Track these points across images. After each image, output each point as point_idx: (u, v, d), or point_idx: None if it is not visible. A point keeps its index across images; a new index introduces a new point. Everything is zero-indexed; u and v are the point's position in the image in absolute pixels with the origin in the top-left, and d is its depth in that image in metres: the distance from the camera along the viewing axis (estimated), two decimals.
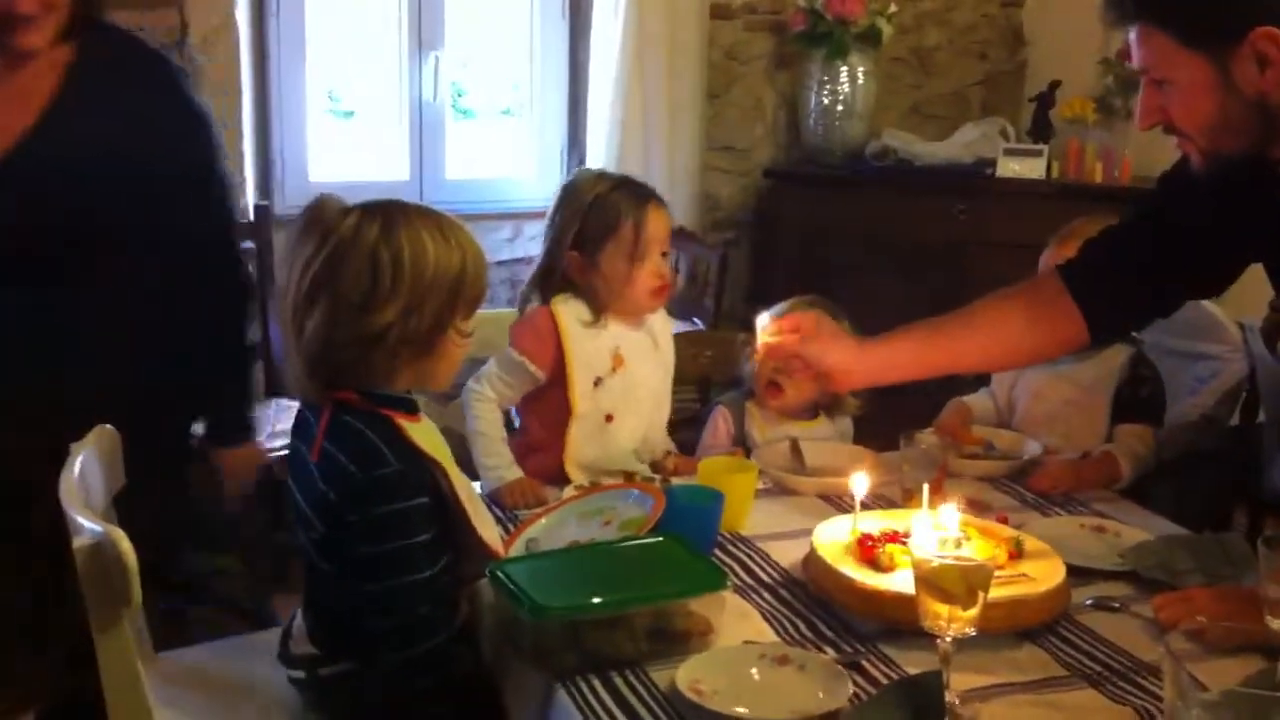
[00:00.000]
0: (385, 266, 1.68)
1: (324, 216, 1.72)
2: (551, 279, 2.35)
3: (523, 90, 4.38)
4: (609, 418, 2.33)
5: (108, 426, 1.94)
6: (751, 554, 2.00)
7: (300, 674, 1.82)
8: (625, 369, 2.35)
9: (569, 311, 2.33)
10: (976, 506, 2.12)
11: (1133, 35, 1.82)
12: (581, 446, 2.31)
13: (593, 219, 2.31)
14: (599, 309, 2.33)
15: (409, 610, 1.69)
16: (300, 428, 1.81)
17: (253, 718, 1.83)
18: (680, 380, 2.87)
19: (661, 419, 2.44)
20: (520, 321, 2.37)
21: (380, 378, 1.74)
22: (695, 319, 3.85)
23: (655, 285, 2.34)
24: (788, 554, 1.97)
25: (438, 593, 1.72)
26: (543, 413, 2.35)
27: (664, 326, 2.48)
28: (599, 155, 4.13)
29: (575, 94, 4.30)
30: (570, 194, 2.35)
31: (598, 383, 2.32)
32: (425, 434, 1.76)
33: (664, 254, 2.36)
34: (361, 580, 1.69)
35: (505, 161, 4.43)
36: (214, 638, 2.16)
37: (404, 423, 1.74)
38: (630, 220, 2.30)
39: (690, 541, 1.81)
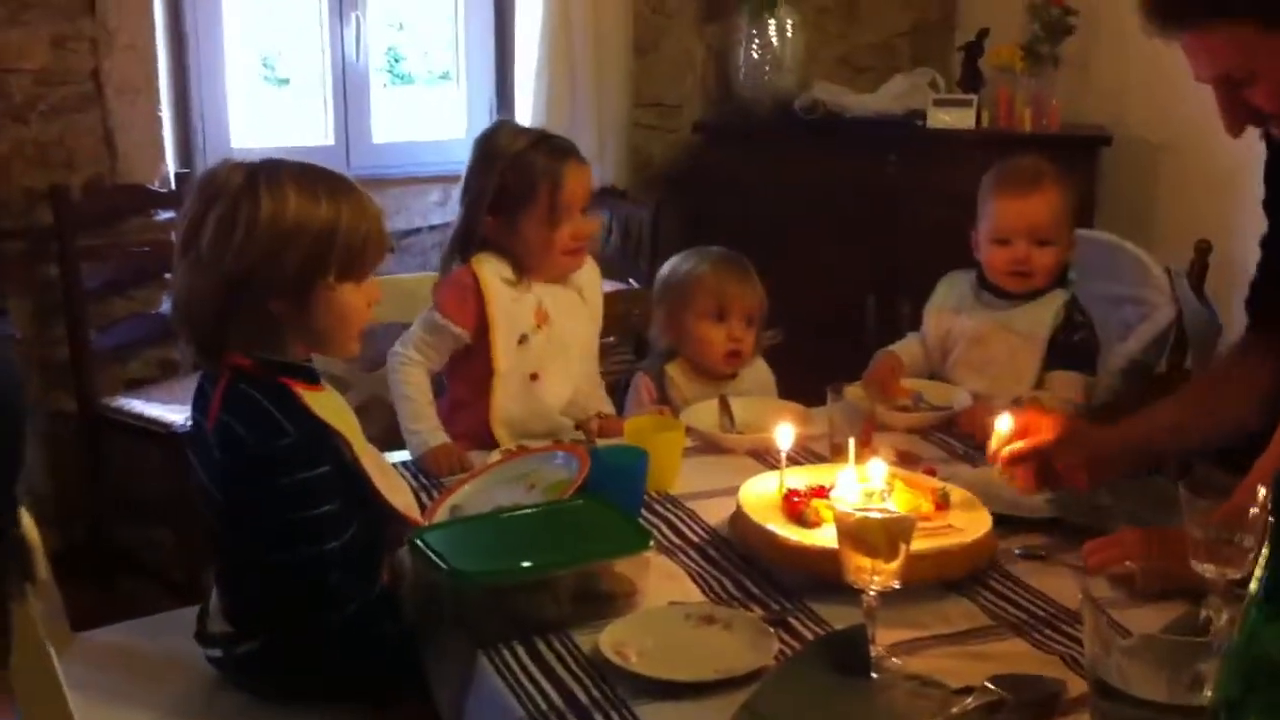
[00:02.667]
0: (241, 217, 1.65)
1: (213, 177, 1.69)
2: (471, 240, 2.31)
3: (451, 53, 4.30)
4: (534, 376, 2.29)
5: None
6: (679, 513, 1.97)
7: (217, 652, 1.78)
8: (550, 325, 2.32)
9: (491, 269, 2.28)
10: (905, 459, 2.11)
11: (1191, 43, 1.71)
12: (506, 406, 2.27)
13: (509, 182, 2.27)
14: (521, 269, 2.29)
15: (318, 581, 1.66)
16: (199, 398, 1.77)
17: (170, 699, 1.78)
18: (616, 340, 2.86)
19: (590, 373, 2.41)
20: (441, 282, 2.33)
21: (267, 340, 1.71)
22: (630, 279, 3.81)
23: (573, 246, 2.30)
24: (716, 512, 1.94)
25: (348, 562, 1.69)
26: (467, 373, 2.31)
27: (591, 279, 2.44)
28: (526, 115, 4.06)
29: (502, 54, 4.23)
30: (485, 152, 2.30)
31: (522, 340, 2.28)
32: (326, 403, 1.73)
33: (584, 211, 2.32)
34: (266, 552, 1.66)
35: (437, 126, 4.36)
36: (145, 613, 2.10)
37: (303, 391, 1.70)
38: (546, 183, 2.25)
39: (615, 503, 1.78)
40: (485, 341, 2.27)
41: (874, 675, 1.47)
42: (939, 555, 1.68)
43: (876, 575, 1.49)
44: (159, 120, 3.65)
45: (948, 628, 1.61)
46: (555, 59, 4.01)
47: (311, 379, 1.76)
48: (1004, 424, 1.95)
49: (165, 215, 3.56)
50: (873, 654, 1.49)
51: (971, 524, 1.76)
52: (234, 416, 1.67)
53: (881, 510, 1.53)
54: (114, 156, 3.60)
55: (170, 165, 3.70)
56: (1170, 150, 3.89)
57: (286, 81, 4.44)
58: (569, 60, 4.02)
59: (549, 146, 2.30)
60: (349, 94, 4.07)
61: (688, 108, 4.35)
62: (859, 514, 1.49)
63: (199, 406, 1.77)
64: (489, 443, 2.23)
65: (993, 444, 1.95)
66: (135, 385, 3.60)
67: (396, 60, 4.56)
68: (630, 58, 4.15)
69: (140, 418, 3.34)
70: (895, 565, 1.49)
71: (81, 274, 3.42)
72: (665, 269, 2.54)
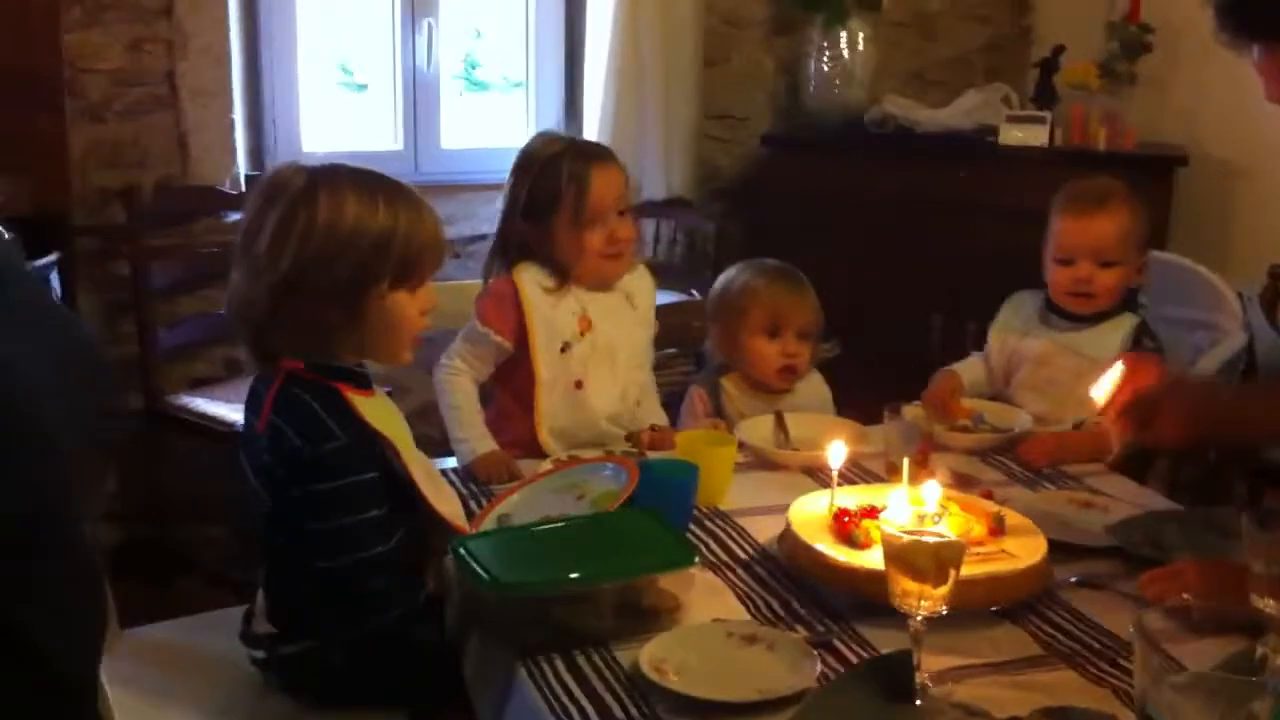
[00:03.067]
0: (298, 219, 1.66)
1: (275, 179, 1.70)
2: (509, 248, 2.31)
3: (523, 62, 4.31)
4: (579, 384, 2.28)
5: None
6: (728, 529, 1.95)
7: (260, 654, 1.79)
8: (594, 332, 2.30)
9: (530, 278, 2.28)
10: (962, 481, 2.07)
11: (1263, 62, 1.68)
12: (552, 414, 2.26)
13: (538, 186, 2.26)
14: (560, 275, 2.28)
15: (362, 587, 1.66)
16: (251, 400, 1.78)
17: (213, 699, 1.79)
18: (677, 351, 2.83)
19: (641, 381, 2.38)
20: (482, 293, 2.33)
21: (319, 344, 1.71)
22: (693, 290, 3.78)
23: (609, 250, 2.28)
24: (766, 529, 1.92)
25: (393, 568, 1.68)
26: (512, 383, 2.30)
27: (642, 285, 2.42)
28: (594, 125, 4.06)
29: (572, 63, 4.23)
30: (520, 161, 2.31)
31: (565, 348, 2.27)
32: (376, 408, 1.73)
33: (622, 213, 2.30)
34: (312, 557, 1.66)
35: (507, 133, 4.37)
36: (201, 610, 2.11)
37: (353, 396, 1.70)
38: (573, 185, 2.24)
39: (663, 516, 1.76)
40: (528, 350, 2.26)
41: (918, 702, 1.44)
42: (990, 581, 1.64)
43: (924, 600, 1.46)
44: (231, 123, 3.69)
45: (997, 656, 1.57)
46: (624, 69, 4.00)
47: (363, 384, 1.76)
48: (1113, 373, 1.90)
49: (234, 217, 3.57)
50: (918, 680, 1.46)
51: (1026, 550, 1.72)
52: (284, 418, 1.68)
53: (932, 534, 1.50)
54: (186, 158, 3.64)
55: (241, 168, 3.74)
56: (1247, 173, 3.80)
57: (364, 87, 4.47)
58: (638, 70, 4.01)
59: (577, 150, 2.30)
60: (419, 100, 4.09)
61: (756, 120, 4.32)
62: (907, 537, 1.46)
63: (252, 408, 1.77)
64: (537, 452, 2.22)
65: (1099, 397, 1.90)
66: (200, 384, 3.64)
67: (473, 67, 4.57)
68: (699, 69, 4.13)
69: (204, 416, 3.37)
70: (944, 591, 1.46)
71: (151, 273, 3.47)
72: (719, 283, 2.52)
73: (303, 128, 3.95)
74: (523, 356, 2.27)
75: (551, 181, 2.24)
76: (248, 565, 3.20)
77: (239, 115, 3.73)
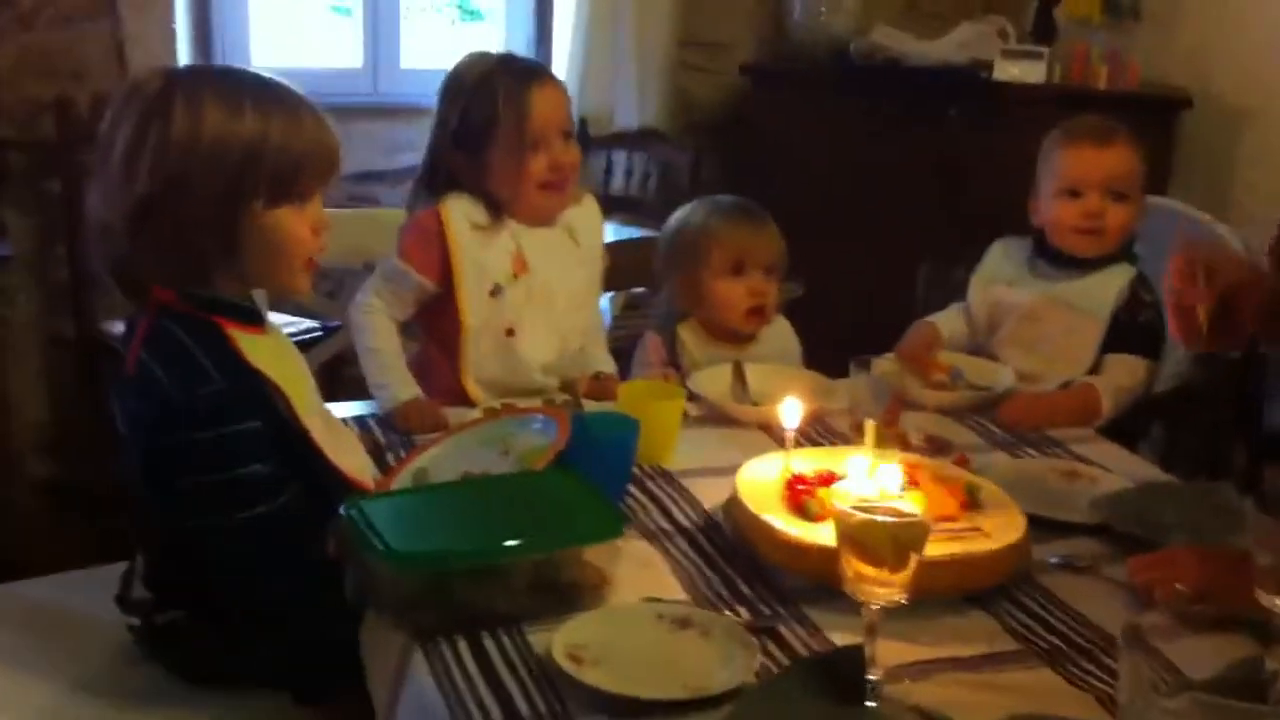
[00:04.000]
0: (151, 131, 1.43)
1: (132, 83, 1.48)
2: (438, 179, 2.08)
3: None
4: (510, 331, 2.06)
5: None
6: (672, 492, 1.75)
7: (135, 621, 1.58)
8: (530, 274, 2.07)
9: (458, 211, 2.04)
10: (935, 444, 1.88)
11: None
12: (479, 364, 2.05)
13: (471, 109, 2.03)
14: (494, 209, 2.05)
15: (244, 551, 1.45)
16: (126, 333, 1.56)
17: (78, 667, 1.59)
18: (646, 290, 2.62)
19: (584, 327, 2.17)
20: (405, 225, 2.10)
21: (193, 274, 1.49)
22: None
23: (551, 178, 2.06)
24: (714, 494, 1.71)
25: (280, 531, 1.47)
26: (437, 327, 2.09)
27: (587, 218, 2.19)
28: (564, 51, 3.83)
29: None
30: (449, 82, 2.08)
31: (495, 291, 2.04)
32: (263, 348, 1.52)
33: (565, 138, 2.07)
34: (186, 515, 1.45)
35: None
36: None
37: (236, 333, 1.49)
38: (510, 108, 2.01)
39: (598, 477, 1.56)
40: (453, 293, 2.04)
41: (869, 704, 1.25)
42: (959, 563, 1.44)
43: (880, 587, 1.26)
44: (172, 33, 3.45)
45: (965, 649, 1.38)
46: None
47: (249, 319, 1.55)
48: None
49: None
50: (871, 678, 1.27)
51: (1001, 528, 1.52)
52: (154, 358, 1.47)
53: (888, 510, 1.29)
54: (124, 69, 3.40)
55: None
56: (1256, 116, 3.56)
57: (349, 11, 4.22)
58: None
59: (513, 68, 2.07)
60: (381, 18, 3.85)
61: (737, 48, 4.08)
62: (861, 514, 1.25)
63: (125, 347, 1.56)
64: (467, 401, 2.01)
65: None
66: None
67: None
68: None
69: None
70: (903, 577, 1.26)
71: (85, 192, 3.23)
72: (671, 225, 2.30)
73: (254, 40, 3.70)
74: (447, 298, 2.05)
75: (486, 104, 2.01)
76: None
77: (182, 24, 3.49)
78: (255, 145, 1.48)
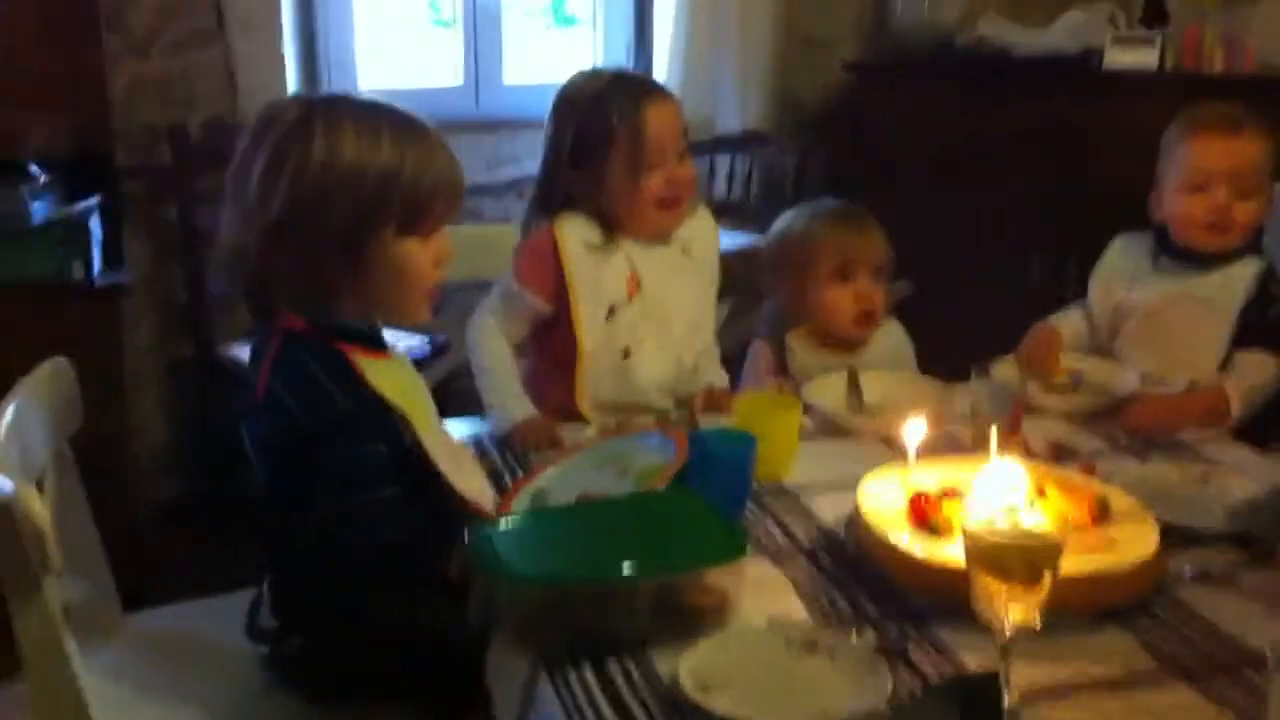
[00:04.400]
0: (290, 158, 1.45)
1: (268, 111, 1.50)
2: (552, 199, 2.06)
3: None
4: (626, 353, 2.04)
5: (60, 359, 1.73)
6: (792, 509, 1.72)
7: (264, 649, 1.60)
8: (644, 295, 2.05)
9: (573, 232, 2.03)
10: (1059, 451, 1.83)
11: None
12: (595, 386, 2.04)
13: (585, 128, 2.01)
14: (609, 228, 2.03)
15: (372, 577, 1.46)
16: (251, 362, 1.58)
17: (214, 696, 1.61)
18: (754, 299, 2.59)
19: (698, 345, 2.14)
20: (519, 247, 2.09)
21: (319, 299, 1.51)
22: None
23: (667, 194, 2.03)
24: (836, 509, 1.69)
25: (408, 557, 1.48)
26: (551, 347, 2.08)
27: (702, 233, 2.16)
28: (664, 55, 3.81)
29: None
30: (561, 101, 2.06)
31: (611, 313, 2.03)
32: (387, 373, 1.53)
33: (680, 155, 2.04)
34: (315, 541, 1.47)
35: (572, 68, 4.12)
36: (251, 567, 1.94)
37: (360, 358, 1.50)
38: (625, 125, 1.99)
39: (719, 494, 1.54)
40: (568, 313, 2.02)
41: None
42: (1093, 579, 1.40)
43: (1013, 607, 1.23)
44: (281, 58, 3.50)
45: (1102, 669, 1.34)
46: None
47: (372, 344, 1.56)
48: None
49: None
50: (1006, 702, 1.24)
51: (1135, 540, 1.47)
52: (282, 383, 1.48)
53: (1019, 532, 1.26)
54: (235, 95, 3.46)
55: None
56: None
57: (450, 23, 4.26)
58: None
59: (626, 85, 2.04)
60: (481, 34, 3.87)
61: (839, 45, 4.03)
62: (992, 536, 1.22)
63: (252, 367, 1.59)
64: (580, 418, 2.01)
65: None
66: (252, 333, 3.47)
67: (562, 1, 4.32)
68: None
69: None
70: (1037, 597, 1.23)
71: (199, 216, 3.30)
72: (774, 233, 2.28)
73: (362, 62, 3.75)
74: (561, 319, 2.04)
75: (600, 122, 2.00)
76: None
77: (290, 49, 3.54)
78: (389, 175, 1.49)
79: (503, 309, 2.05)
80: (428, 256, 1.55)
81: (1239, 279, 2.14)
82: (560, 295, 2.03)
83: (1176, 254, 2.19)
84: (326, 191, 1.46)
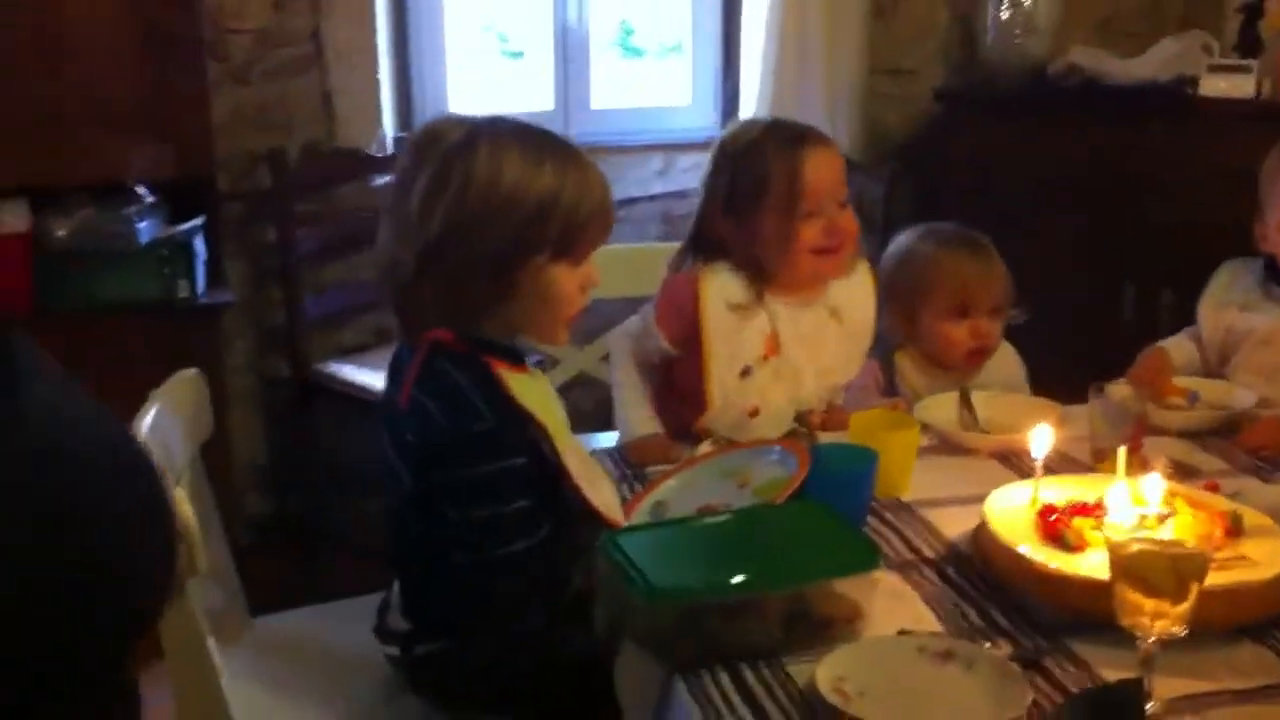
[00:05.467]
0: (453, 176, 1.47)
1: (431, 129, 1.53)
2: (703, 243, 2.01)
3: (682, 21, 4.10)
4: (753, 412, 1.98)
5: (191, 371, 1.77)
6: (913, 523, 1.72)
7: (394, 650, 1.63)
8: (781, 356, 1.98)
9: (717, 288, 1.96)
10: (1182, 470, 1.82)
11: None
12: (716, 427, 1.98)
13: (741, 175, 1.95)
14: (758, 280, 1.97)
15: (504, 584, 1.48)
16: (394, 369, 1.61)
17: (344, 697, 1.64)
18: None
19: (822, 392, 2.07)
20: (664, 287, 2.04)
21: (465, 317, 1.53)
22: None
23: (826, 243, 1.94)
24: (956, 524, 1.69)
25: (539, 565, 1.50)
26: (679, 384, 2.03)
27: (857, 294, 2.06)
28: (754, 85, 3.83)
29: (730, 22, 4.00)
30: (717, 151, 2.01)
31: (745, 373, 1.97)
32: (529, 387, 1.54)
33: (842, 204, 1.97)
34: (451, 548, 1.49)
35: (660, 94, 4.17)
36: (348, 588, 1.96)
37: (505, 372, 1.52)
38: (782, 170, 1.92)
39: (839, 509, 1.55)
40: (697, 359, 1.97)
41: None
42: (1231, 593, 1.39)
43: (1159, 620, 1.23)
44: (377, 84, 3.55)
45: (1241, 681, 1.33)
46: (786, 22, 3.76)
47: (515, 359, 1.58)
48: None
49: (381, 181, 3.46)
50: (1149, 710, 1.23)
51: (1270, 554, 1.46)
52: (428, 394, 1.51)
53: (1165, 541, 1.26)
54: (332, 120, 3.52)
55: (388, 130, 3.60)
56: None
57: (520, 54, 4.33)
58: (800, 23, 3.77)
59: (783, 132, 1.98)
60: (570, 60, 3.91)
61: (927, 74, 4.04)
62: (1139, 545, 1.22)
63: (394, 378, 1.61)
64: (696, 439, 1.99)
65: None
66: (348, 352, 3.53)
67: (629, 33, 4.37)
68: (868, 20, 3.87)
69: (351, 385, 3.26)
70: (1183, 608, 1.23)
71: (297, 239, 3.36)
72: (892, 253, 2.23)
73: (451, 90, 3.80)
74: (692, 365, 1.98)
75: (757, 168, 1.94)
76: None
77: (385, 76, 3.60)
78: (549, 200, 1.51)
79: (638, 337, 2.04)
80: (575, 282, 1.57)
81: None
82: (691, 343, 1.97)
83: None
84: (487, 212, 1.49)
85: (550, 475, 1.53)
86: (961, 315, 2.14)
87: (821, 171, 1.95)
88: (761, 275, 1.97)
